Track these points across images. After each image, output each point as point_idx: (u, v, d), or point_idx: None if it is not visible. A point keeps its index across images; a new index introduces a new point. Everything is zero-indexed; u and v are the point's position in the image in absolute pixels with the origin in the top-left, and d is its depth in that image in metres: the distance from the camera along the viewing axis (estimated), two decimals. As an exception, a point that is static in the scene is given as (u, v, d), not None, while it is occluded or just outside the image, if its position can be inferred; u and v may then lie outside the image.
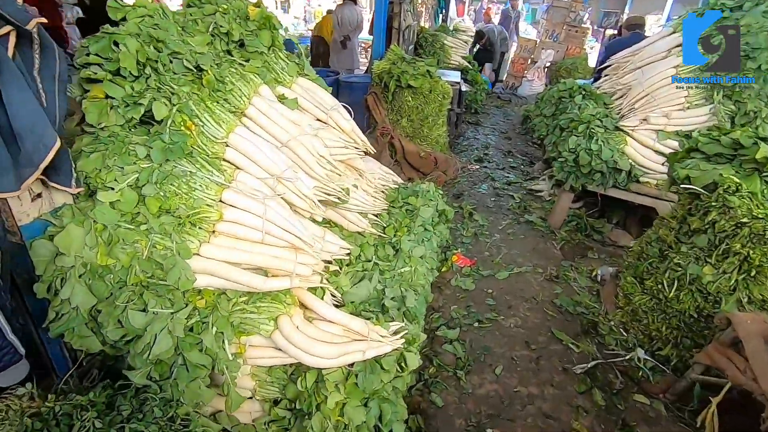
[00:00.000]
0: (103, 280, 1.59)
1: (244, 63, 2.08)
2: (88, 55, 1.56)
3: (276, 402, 1.86)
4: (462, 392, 2.35)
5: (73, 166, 1.42)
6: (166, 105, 1.65)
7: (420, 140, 5.02)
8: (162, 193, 1.61)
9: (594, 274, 3.36)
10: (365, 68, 8.01)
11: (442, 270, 3.39)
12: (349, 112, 2.47)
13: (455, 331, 2.76)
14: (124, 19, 1.75)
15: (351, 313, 2.03)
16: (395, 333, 1.93)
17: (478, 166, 5.48)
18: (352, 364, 1.79)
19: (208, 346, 1.64)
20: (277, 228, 1.74)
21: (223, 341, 1.69)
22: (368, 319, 1.95)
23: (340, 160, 2.44)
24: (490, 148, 6.17)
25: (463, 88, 6.33)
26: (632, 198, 3.63)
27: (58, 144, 1.26)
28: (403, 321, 2.03)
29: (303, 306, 1.90)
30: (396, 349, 1.87)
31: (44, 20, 1.21)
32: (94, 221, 1.53)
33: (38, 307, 1.62)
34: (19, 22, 1.14)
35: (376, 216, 2.64)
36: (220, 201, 1.71)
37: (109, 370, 1.86)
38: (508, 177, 5.17)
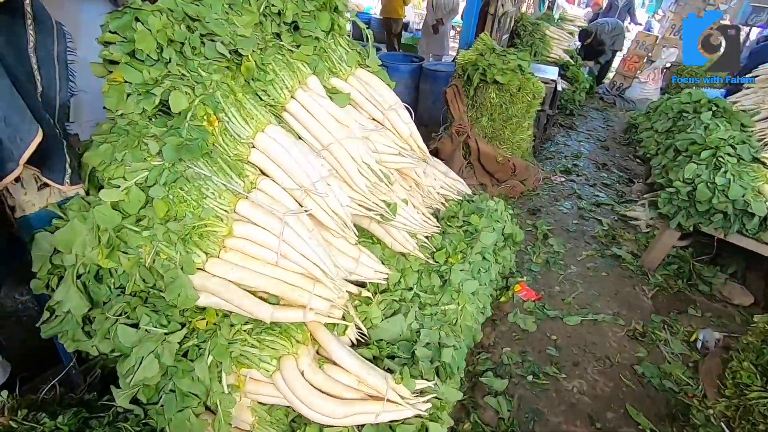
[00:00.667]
0: (101, 284, 1.45)
1: (293, 49, 1.80)
2: (109, 32, 1.37)
3: (275, 444, 1.63)
4: (498, 464, 1.96)
5: (68, 161, 1.25)
6: (187, 95, 1.43)
7: (499, 143, 4.49)
8: (170, 197, 1.40)
9: (693, 339, 2.69)
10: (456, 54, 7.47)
11: (500, 299, 2.94)
12: (410, 113, 2.11)
13: (503, 381, 2.34)
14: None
15: (374, 356, 1.72)
16: (421, 393, 1.59)
17: (563, 179, 4.81)
18: (362, 427, 1.49)
19: (200, 377, 1.43)
20: (295, 252, 1.46)
21: (220, 372, 1.48)
22: (391, 371, 1.63)
23: (393, 168, 2.11)
24: (582, 158, 5.40)
25: (560, 86, 5.58)
26: (763, 250, 2.84)
27: (39, 137, 1.08)
28: (435, 378, 1.68)
29: (315, 342, 1.63)
30: (418, 416, 1.53)
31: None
32: (96, 220, 1.37)
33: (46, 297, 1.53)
34: (1, -9, 0.96)
35: (427, 237, 2.27)
36: (234, 212, 1.47)
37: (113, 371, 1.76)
38: (597, 196, 4.45)
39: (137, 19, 1.37)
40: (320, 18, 1.92)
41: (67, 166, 1.24)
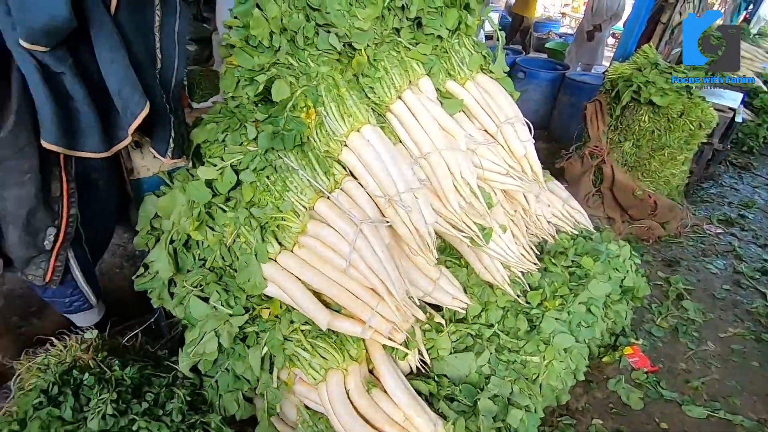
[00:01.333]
0: (188, 253, 1.53)
1: (410, 47, 1.69)
2: (233, 17, 1.42)
3: (312, 450, 1.58)
4: None
5: (172, 136, 1.33)
6: (291, 85, 1.41)
7: (642, 174, 3.82)
8: (258, 184, 1.41)
9: None
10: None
11: (602, 358, 2.48)
12: (530, 130, 1.84)
13: (584, 460, 1.96)
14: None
15: (430, 393, 1.55)
16: (473, 453, 1.38)
17: (721, 230, 3.90)
18: (398, 467, 1.35)
19: (252, 365, 1.43)
20: (363, 263, 1.36)
21: (272, 365, 1.47)
22: (445, 417, 1.44)
23: (497, 188, 1.88)
24: (753, 208, 4.33)
25: (740, 116, 4.53)
26: None
27: (145, 111, 1.15)
28: (494, 440, 1.44)
29: (370, 361, 1.52)
30: (463, 478, 1.33)
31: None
32: (191, 194, 1.45)
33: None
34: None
35: (522, 272, 1.99)
36: (312, 209, 1.42)
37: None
38: (766, 262, 3.51)
39: (258, 6, 1.38)
40: (447, 15, 1.76)
41: (171, 140, 1.32)
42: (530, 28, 7.84)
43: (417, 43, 1.73)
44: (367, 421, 1.35)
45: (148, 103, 1.14)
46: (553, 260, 2.16)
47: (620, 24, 6.99)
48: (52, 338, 1.40)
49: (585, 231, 2.49)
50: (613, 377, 2.38)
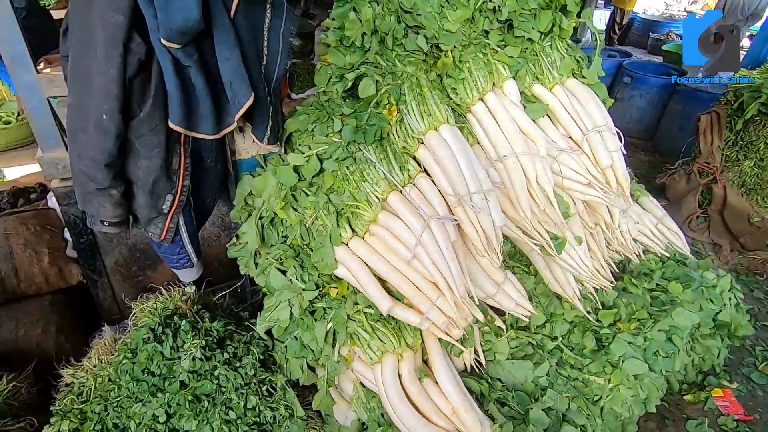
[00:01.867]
0: (273, 229, 1.72)
1: (498, 49, 1.69)
2: (330, 18, 1.55)
3: (364, 427, 1.68)
4: None
5: (270, 124, 1.49)
6: (377, 83, 1.51)
7: (763, 199, 3.34)
8: (338, 173, 1.53)
9: None
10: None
11: (684, 396, 2.26)
12: (620, 139, 1.74)
13: (646, 498, 1.82)
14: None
15: (481, 393, 1.57)
16: (518, 460, 1.37)
17: None
18: (441, 457, 1.39)
19: (317, 337, 1.57)
20: (427, 257, 1.42)
21: (334, 340, 1.59)
22: (493, 419, 1.45)
23: (578, 198, 1.81)
24: None
25: None
26: None
27: (250, 101, 1.32)
28: (542, 452, 1.42)
29: (425, 351, 1.57)
30: (505, 482, 1.33)
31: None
32: (280, 177, 1.62)
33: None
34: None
35: (596, 288, 1.89)
36: (385, 200, 1.51)
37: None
38: None
39: (354, 9, 1.50)
40: (541, 17, 1.72)
41: (268, 128, 1.50)
42: (627, 21, 7.30)
43: (505, 46, 1.72)
44: (416, 408, 1.42)
45: (252, 94, 1.31)
46: (634, 281, 2.01)
47: (758, 24, 6.09)
48: (161, 288, 1.67)
49: (679, 255, 2.28)
50: (694, 418, 2.16)
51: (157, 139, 1.28)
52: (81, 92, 1.18)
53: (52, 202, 2.27)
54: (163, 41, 1.14)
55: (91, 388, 1.52)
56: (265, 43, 1.36)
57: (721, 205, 3.44)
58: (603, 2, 8.14)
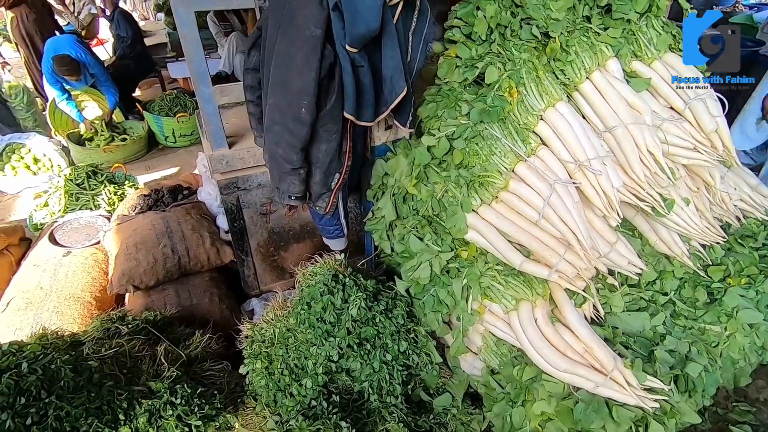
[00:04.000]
0: (406, 203, 2.00)
1: (599, 32, 1.88)
2: (456, 18, 1.81)
3: (493, 372, 1.92)
4: None
5: (412, 110, 1.77)
6: (499, 69, 1.75)
7: None
8: (467, 150, 1.79)
9: None
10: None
11: (795, 358, 2.30)
12: (723, 106, 1.87)
13: (764, 443, 1.92)
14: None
15: (605, 338, 1.75)
16: (649, 390, 1.55)
17: None
18: (578, 390, 1.60)
19: (454, 291, 1.83)
20: (556, 216, 1.64)
21: (468, 295, 1.84)
22: (621, 356, 1.64)
23: (682, 164, 1.95)
24: None
25: None
26: None
27: (404, 92, 1.60)
28: (672, 386, 1.59)
29: (553, 302, 1.78)
30: (639, 408, 1.52)
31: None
32: (414, 158, 1.89)
33: (369, 205, 2.22)
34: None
35: (704, 247, 2.01)
36: (512, 172, 1.74)
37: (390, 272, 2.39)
38: None
39: (478, 8, 1.75)
40: (637, 0, 1.90)
41: (411, 114, 1.78)
42: None
43: (606, 28, 1.91)
44: (552, 346, 1.64)
45: (406, 86, 1.59)
46: (740, 241, 2.11)
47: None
48: (316, 256, 2.01)
49: (786, 220, 2.33)
50: (806, 377, 2.21)
51: (336, 127, 1.59)
52: (281, 93, 1.51)
53: (201, 196, 2.70)
54: (347, 47, 1.44)
55: (272, 337, 1.87)
56: (410, 43, 1.65)
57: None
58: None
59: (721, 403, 2.15)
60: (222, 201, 2.29)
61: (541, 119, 1.77)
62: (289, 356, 1.80)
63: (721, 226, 2.26)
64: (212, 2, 1.94)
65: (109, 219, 2.93)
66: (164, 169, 5.19)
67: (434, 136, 1.84)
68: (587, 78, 1.86)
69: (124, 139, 5.09)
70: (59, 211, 3.34)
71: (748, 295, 1.89)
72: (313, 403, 1.72)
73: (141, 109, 5.52)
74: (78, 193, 3.41)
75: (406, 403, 1.87)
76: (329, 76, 1.50)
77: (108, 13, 6.65)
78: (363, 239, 2.43)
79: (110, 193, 3.46)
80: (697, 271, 1.95)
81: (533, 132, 1.80)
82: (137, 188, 3.63)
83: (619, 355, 1.65)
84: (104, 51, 7.98)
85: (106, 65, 5.42)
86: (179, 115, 5.26)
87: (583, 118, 1.91)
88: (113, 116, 5.15)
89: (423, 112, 1.89)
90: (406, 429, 1.71)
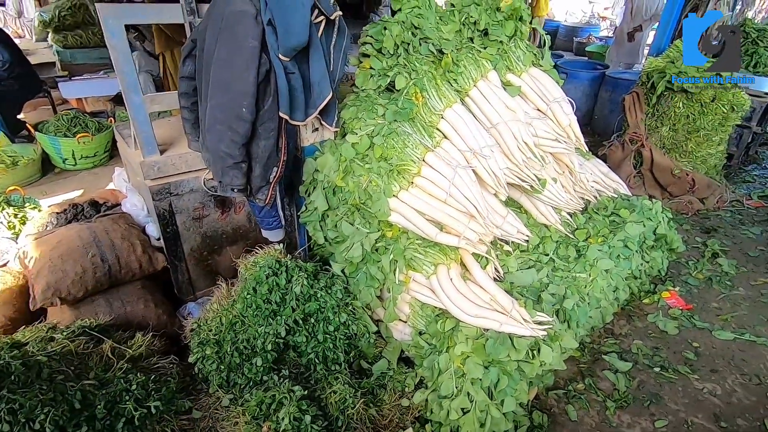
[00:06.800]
0: (335, 195, 2.27)
1: (481, 50, 2.37)
2: (368, 36, 2.17)
3: (420, 333, 2.24)
4: (602, 421, 2.19)
5: (338, 112, 2.07)
6: (405, 78, 2.13)
7: (679, 155, 4.26)
8: (385, 144, 2.12)
9: None
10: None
11: (643, 300, 2.99)
12: (572, 106, 2.46)
13: (627, 364, 2.49)
14: (400, 9, 2.30)
15: (505, 290, 2.18)
16: (540, 324, 1.98)
17: (760, 205, 4.24)
18: (487, 330, 1.98)
19: (384, 266, 2.13)
20: (460, 194, 2.03)
21: (395, 268, 2.16)
22: (517, 300, 2.06)
23: (549, 152, 2.49)
24: (796, 186, 4.60)
25: (779, 102, 4.82)
26: None
27: (330, 96, 1.90)
28: (553, 317, 2.04)
29: (463, 266, 2.17)
30: (533, 338, 1.94)
31: (340, 13, 1.82)
32: (341, 154, 2.18)
33: (301, 201, 2.45)
34: (328, 13, 1.77)
35: (570, 215, 2.58)
36: (423, 160, 2.12)
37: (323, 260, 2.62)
38: (803, 228, 3.83)
39: (385, 28, 2.12)
40: (506, 26, 2.43)
41: (336, 115, 2.07)
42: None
43: (485, 47, 2.41)
44: (465, 297, 2.00)
45: (332, 90, 1.89)
46: (595, 211, 2.73)
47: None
48: (256, 249, 2.17)
49: (623, 195, 3.03)
50: (652, 313, 2.89)
51: (273, 124, 1.82)
52: (223, 94, 1.70)
53: (126, 207, 2.69)
54: (280, 56, 1.70)
55: (219, 325, 1.99)
56: (331, 56, 1.95)
57: (650, 164, 4.33)
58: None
59: (596, 341, 2.71)
60: (154, 207, 2.35)
61: (442, 118, 2.19)
62: (238, 339, 1.94)
63: (584, 203, 2.89)
64: (143, 16, 2.04)
65: (15, 241, 2.75)
66: (64, 193, 4.79)
67: (357, 134, 2.16)
68: (474, 86, 2.33)
69: (16, 163, 4.64)
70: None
71: (604, 249, 2.47)
72: (265, 378, 1.88)
73: (32, 131, 5.07)
74: (-32, 220, 3.10)
75: (349, 371, 2.10)
76: (266, 81, 1.74)
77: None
78: (295, 238, 2.64)
79: (9, 216, 3.20)
80: (568, 234, 2.50)
81: (437, 128, 2.20)
82: (40, 210, 3.39)
83: (516, 300, 2.08)
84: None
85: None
86: (80, 135, 4.94)
87: (474, 116, 2.38)
88: (-6, 142, 4.67)
89: (345, 114, 2.20)
90: (351, 389, 1.94)
